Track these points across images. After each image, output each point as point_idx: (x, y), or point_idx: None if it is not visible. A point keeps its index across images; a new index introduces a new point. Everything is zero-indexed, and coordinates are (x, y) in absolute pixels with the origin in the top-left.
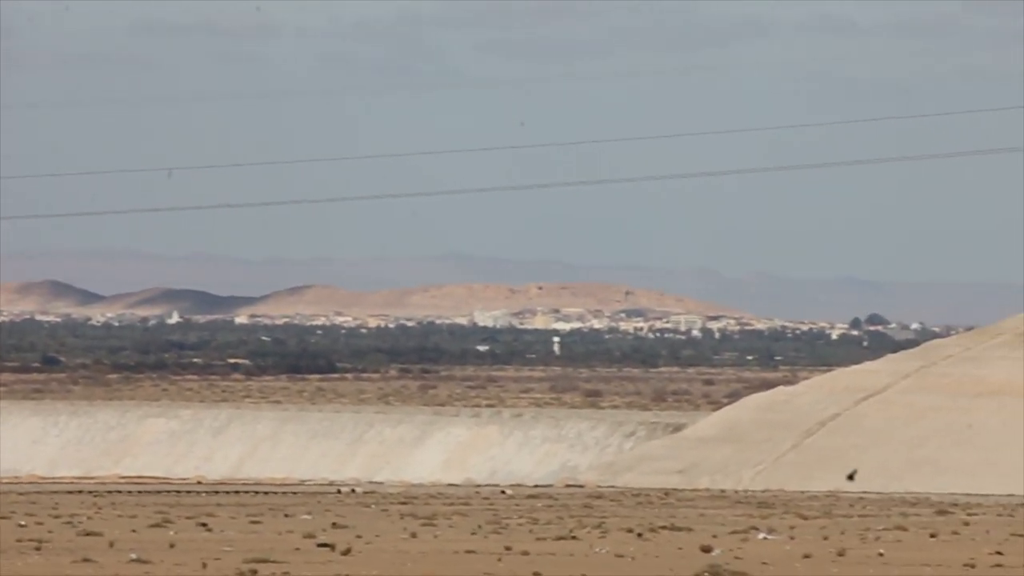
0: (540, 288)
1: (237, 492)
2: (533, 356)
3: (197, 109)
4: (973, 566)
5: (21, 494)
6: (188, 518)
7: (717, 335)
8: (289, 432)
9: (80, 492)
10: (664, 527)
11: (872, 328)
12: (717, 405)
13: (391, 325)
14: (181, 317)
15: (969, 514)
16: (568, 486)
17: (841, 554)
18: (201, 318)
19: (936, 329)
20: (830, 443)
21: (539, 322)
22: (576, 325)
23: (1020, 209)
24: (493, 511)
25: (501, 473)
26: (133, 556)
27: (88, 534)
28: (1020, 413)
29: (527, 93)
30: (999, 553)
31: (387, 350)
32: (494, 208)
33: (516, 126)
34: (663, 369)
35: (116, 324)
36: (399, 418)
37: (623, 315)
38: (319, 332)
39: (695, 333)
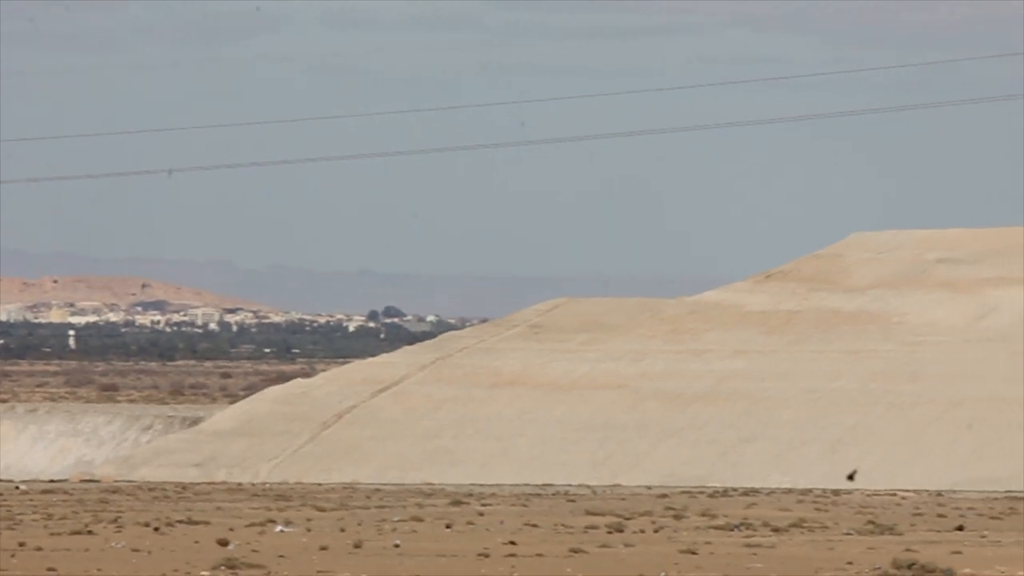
0: (55, 281)
1: None
2: (48, 350)
3: None
4: (487, 555)
5: None
6: None
7: (235, 328)
8: None
9: None
10: (181, 521)
11: (389, 320)
12: (234, 398)
13: None
14: None
15: (484, 504)
16: (84, 481)
17: (358, 546)
18: None
19: (452, 321)
20: (347, 435)
21: (54, 316)
22: (92, 319)
23: (528, 203)
24: (7, 507)
25: (15, 469)
26: None
27: None
28: (533, 403)
29: (48, 84)
30: (512, 543)
31: None
32: (8, 199)
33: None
34: (180, 363)
35: None
36: None
37: (140, 308)
38: None
39: (212, 326)
